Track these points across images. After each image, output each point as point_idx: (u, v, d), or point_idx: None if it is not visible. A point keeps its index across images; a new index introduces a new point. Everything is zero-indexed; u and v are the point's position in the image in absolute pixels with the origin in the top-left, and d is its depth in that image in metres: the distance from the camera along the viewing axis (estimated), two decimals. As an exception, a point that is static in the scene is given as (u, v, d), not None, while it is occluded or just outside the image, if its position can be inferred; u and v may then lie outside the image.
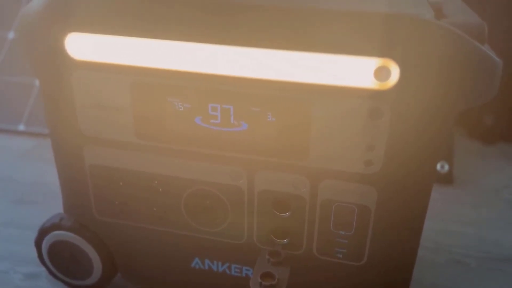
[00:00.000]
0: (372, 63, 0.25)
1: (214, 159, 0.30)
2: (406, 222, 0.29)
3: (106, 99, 0.30)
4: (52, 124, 0.33)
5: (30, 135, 0.64)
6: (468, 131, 0.67)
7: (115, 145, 0.32)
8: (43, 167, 0.56)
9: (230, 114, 0.29)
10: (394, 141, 0.27)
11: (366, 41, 0.25)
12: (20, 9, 0.71)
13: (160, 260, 0.36)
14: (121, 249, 0.36)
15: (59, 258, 0.37)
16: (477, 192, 0.55)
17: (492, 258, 0.44)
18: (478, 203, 0.53)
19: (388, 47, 0.25)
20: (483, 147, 0.65)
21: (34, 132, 0.64)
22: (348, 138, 0.27)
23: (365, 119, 0.27)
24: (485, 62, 0.25)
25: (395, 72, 0.25)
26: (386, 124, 0.27)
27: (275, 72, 0.27)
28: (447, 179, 0.56)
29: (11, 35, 0.71)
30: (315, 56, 0.26)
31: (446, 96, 0.25)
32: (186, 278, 0.36)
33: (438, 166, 0.56)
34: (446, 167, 0.56)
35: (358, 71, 0.26)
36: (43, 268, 0.39)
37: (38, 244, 0.37)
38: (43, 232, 0.37)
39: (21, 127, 0.65)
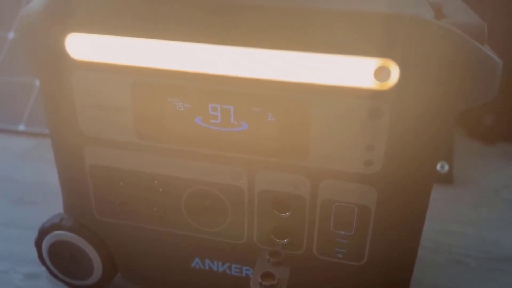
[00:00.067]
0: (372, 63, 0.25)
1: (214, 159, 0.30)
2: (406, 222, 0.29)
3: (106, 99, 0.30)
4: (53, 124, 0.33)
5: (30, 135, 0.64)
6: (468, 131, 0.67)
7: (115, 145, 0.32)
8: (43, 167, 0.56)
9: (230, 114, 0.29)
10: (394, 141, 0.27)
11: (366, 41, 0.25)
12: (20, 9, 0.71)
13: (160, 260, 0.36)
14: (121, 249, 0.36)
15: (59, 258, 0.37)
16: (477, 192, 0.55)
17: (492, 258, 0.44)
18: (478, 203, 0.53)
19: (388, 47, 0.25)
20: (483, 147, 0.65)
21: (34, 132, 0.64)
22: (348, 138, 0.27)
23: (365, 119, 0.27)
24: (485, 62, 0.25)
25: (395, 72, 0.25)
26: (386, 124, 0.27)
27: (275, 72, 0.27)
28: (447, 179, 0.56)
29: (11, 35, 0.71)
30: (315, 56, 0.26)
31: (446, 96, 0.26)
32: (186, 278, 0.36)
33: (438, 166, 0.56)
34: (446, 167, 0.56)
35: (358, 71, 0.26)
36: (43, 268, 0.39)
37: (38, 244, 0.37)
38: (43, 232, 0.37)
39: (21, 127, 0.65)
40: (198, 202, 0.32)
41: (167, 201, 0.33)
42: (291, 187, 0.30)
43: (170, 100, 0.29)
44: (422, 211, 0.29)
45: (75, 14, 0.28)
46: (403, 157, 0.27)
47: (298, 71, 0.26)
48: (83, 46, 0.29)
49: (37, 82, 0.67)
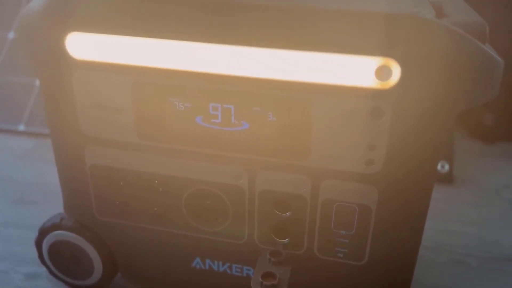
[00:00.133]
0: (373, 62, 0.25)
1: (215, 159, 0.30)
2: (407, 222, 0.29)
3: (106, 99, 0.30)
4: (53, 124, 0.33)
5: (30, 135, 0.64)
6: (469, 130, 0.67)
7: (116, 145, 0.32)
8: (43, 167, 0.56)
9: (231, 114, 0.29)
10: (395, 140, 0.27)
11: (367, 41, 0.25)
12: (20, 9, 0.71)
13: (160, 260, 0.36)
14: (121, 249, 0.36)
15: (59, 258, 0.37)
16: (477, 192, 0.55)
17: (493, 258, 0.44)
18: (478, 203, 0.53)
19: (389, 47, 0.25)
20: (484, 147, 0.65)
21: (34, 132, 0.64)
22: (349, 138, 0.27)
23: (366, 119, 0.27)
24: (486, 62, 0.25)
25: (396, 72, 0.25)
26: (387, 124, 0.27)
27: (276, 71, 0.27)
28: (447, 179, 0.56)
29: (11, 35, 0.71)
30: (316, 55, 0.26)
31: (447, 96, 0.25)
32: (186, 278, 0.36)
33: (439, 166, 0.56)
34: (447, 166, 0.56)
35: (359, 71, 0.26)
36: (43, 268, 0.39)
37: (38, 244, 0.37)
38: (43, 232, 0.37)
39: (21, 127, 0.65)
40: (199, 202, 0.32)
41: (167, 201, 0.33)
42: (291, 187, 0.30)
43: (171, 99, 0.29)
44: (423, 211, 0.29)
45: (75, 13, 0.28)
46: (404, 156, 0.27)
47: (299, 71, 0.26)
48: (84, 45, 0.29)
49: (37, 82, 0.67)
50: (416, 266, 0.31)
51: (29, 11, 0.30)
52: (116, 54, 0.29)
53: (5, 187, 0.53)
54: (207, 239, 0.33)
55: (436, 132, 0.27)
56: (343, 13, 0.25)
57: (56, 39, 0.29)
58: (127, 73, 0.29)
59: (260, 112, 0.28)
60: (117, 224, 0.35)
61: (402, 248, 0.30)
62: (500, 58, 0.25)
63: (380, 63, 0.25)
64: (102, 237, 0.36)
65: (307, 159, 0.29)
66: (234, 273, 0.35)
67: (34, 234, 0.37)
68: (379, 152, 0.27)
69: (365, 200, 0.29)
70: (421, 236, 0.30)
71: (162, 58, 0.28)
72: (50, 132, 0.33)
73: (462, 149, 0.63)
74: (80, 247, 0.36)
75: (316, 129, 0.28)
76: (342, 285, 0.33)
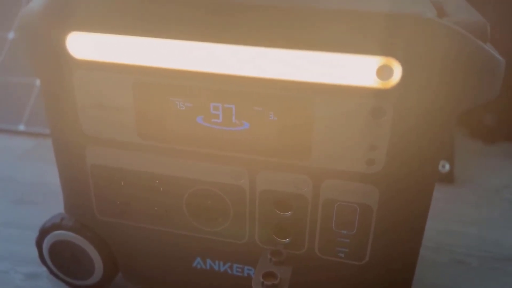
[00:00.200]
0: (374, 61, 0.25)
1: (216, 159, 0.30)
2: (408, 222, 0.29)
3: (107, 99, 0.30)
4: (54, 124, 0.33)
5: (30, 135, 0.64)
6: (469, 130, 0.67)
7: (117, 145, 0.32)
8: (43, 167, 0.56)
9: (232, 114, 0.29)
10: (396, 140, 0.27)
11: (368, 40, 0.25)
12: (20, 9, 0.71)
13: (161, 260, 0.36)
14: (122, 249, 0.36)
15: (60, 258, 0.37)
16: (478, 192, 0.55)
17: (493, 258, 0.44)
18: (479, 203, 0.53)
19: (390, 46, 0.25)
20: (484, 147, 0.65)
21: (34, 132, 0.64)
22: (350, 137, 0.27)
23: (367, 118, 0.27)
24: (487, 61, 0.25)
25: (397, 71, 0.25)
26: (389, 123, 0.27)
27: (277, 71, 0.27)
28: (448, 179, 0.56)
29: (11, 35, 0.71)
30: (317, 55, 0.26)
31: (448, 95, 0.25)
32: (187, 278, 0.36)
33: (439, 166, 0.56)
34: (447, 166, 0.56)
35: (360, 70, 0.26)
36: (43, 268, 0.39)
37: (39, 244, 0.37)
38: (44, 232, 0.36)
39: (21, 127, 0.65)
40: (200, 202, 0.32)
41: (168, 201, 0.33)
42: (292, 187, 0.30)
43: (172, 99, 0.29)
44: (424, 211, 0.29)
45: (76, 13, 0.28)
46: (405, 156, 0.27)
47: (299, 70, 0.26)
48: (84, 45, 0.29)
49: (37, 82, 0.67)
50: (417, 266, 0.31)
51: (29, 11, 0.29)
52: (117, 53, 0.29)
53: (5, 187, 0.53)
54: (208, 239, 0.33)
55: (437, 131, 0.27)
56: (344, 13, 0.25)
57: (57, 39, 0.29)
58: (128, 72, 0.29)
59: (261, 112, 0.28)
60: (118, 224, 0.35)
61: (403, 248, 0.30)
62: (502, 58, 0.25)
63: (381, 62, 0.25)
64: (102, 237, 0.36)
65: (308, 159, 0.29)
66: (235, 273, 0.35)
67: (34, 234, 0.37)
68: (380, 151, 0.27)
69: (366, 200, 0.29)
70: (422, 236, 0.30)
71: (163, 58, 0.28)
72: (50, 132, 0.33)
73: (462, 149, 0.63)
74: (80, 247, 0.36)
75: (317, 128, 0.28)
76: (343, 285, 0.32)
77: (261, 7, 0.26)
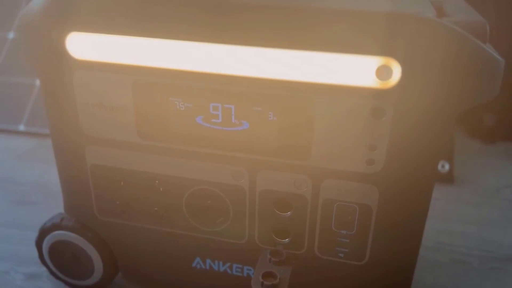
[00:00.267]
0: (374, 62, 0.25)
1: (216, 159, 0.30)
2: (407, 222, 0.29)
3: (107, 99, 0.30)
4: (53, 124, 0.33)
5: (30, 135, 0.64)
6: (469, 130, 0.67)
7: (117, 145, 0.32)
8: (43, 168, 0.56)
9: (232, 114, 0.29)
10: (396, 140, 0.27)
11: (368, 40, 0.25)
12: (20, 9, 0.71)
13: (161, 260, 0.36)
14: (122, 249, 0.36)
15: (60, 258, 0.37)
16: (478, 192, 0.55)
17: (493, 257, 0.44)
18: (479, 203, 0.53)
19: (390, 46, 0.25)
20: (484, 146, 0.65)
21: (34, 132, 0.64)
22: (350, 137, 0.27)
23: (367, 118, 0.27)
24: (487, 61, 0.25)
25: (397, 71, 0.25)
26: (388, 123, 0.27)
27: (276, 71, 0.27)
28: (447, 179, 0.56)
29: (11, 35, 0.71)
30: (317, 55, 0.26)
31: (448, 95, 0.25)
32: (187, 278, 0.36)
33: (439, 166, 0.56)
34: (447, 166, 0.56)
35: (360, 70, 0.26)
36: (44, 268, 0.39)
37: (39, 244, 0.37)
38: (44, 232, 0.36)
39: (22, 127, 0.65)
40: (199, 202, 0.32)
41: (168, 201, 0.33)
42: (292, 187, 0.30)
43: (171, 99, 0.29)
44: (423, 211, 0.29)
45: (76, 13, 0.28)
46: (405, 156, 0.27)
47: (299, 70, 0.26)
48: (84, 45, 0.29)
49: (37, 82, 0.67)
50: (417, 266, 0.31)
51: (29, 11, 0.30)
52: (117, 54, 0.29)
53: (6, 187, 0.53)
54: (208, 239, 0.33)
55: (437, 131, 0.27)
56: (343, 13, 0.25)
57: (57, 39, 0.29)
58: (128, 73, 0.29)
59: (261, 112, 0.28)
60: (118, 224, 0.35)
61: (402, 248, 0.30)
62: (501, 58, 0.25)
63: (381, 62, 0.25)
64: (102, 237, 0.36)
65: (308, 159, 0.29)
66: (235, 273, 0.35)
67: (34, 234, 0.37)
68: (380, 151, 0.27)
69: (366, 199, 0.29)
70: (422, 235, 0.30)
71: (163, 58, 0.28)
72: (50, 132, 0.33)
73: (462, 149, 0.63)
74: (80, 247, 0.36)
75: (316, 128, 0.28)
76: (343, 285, 0.32)
77: (261, 7, 0.26)
